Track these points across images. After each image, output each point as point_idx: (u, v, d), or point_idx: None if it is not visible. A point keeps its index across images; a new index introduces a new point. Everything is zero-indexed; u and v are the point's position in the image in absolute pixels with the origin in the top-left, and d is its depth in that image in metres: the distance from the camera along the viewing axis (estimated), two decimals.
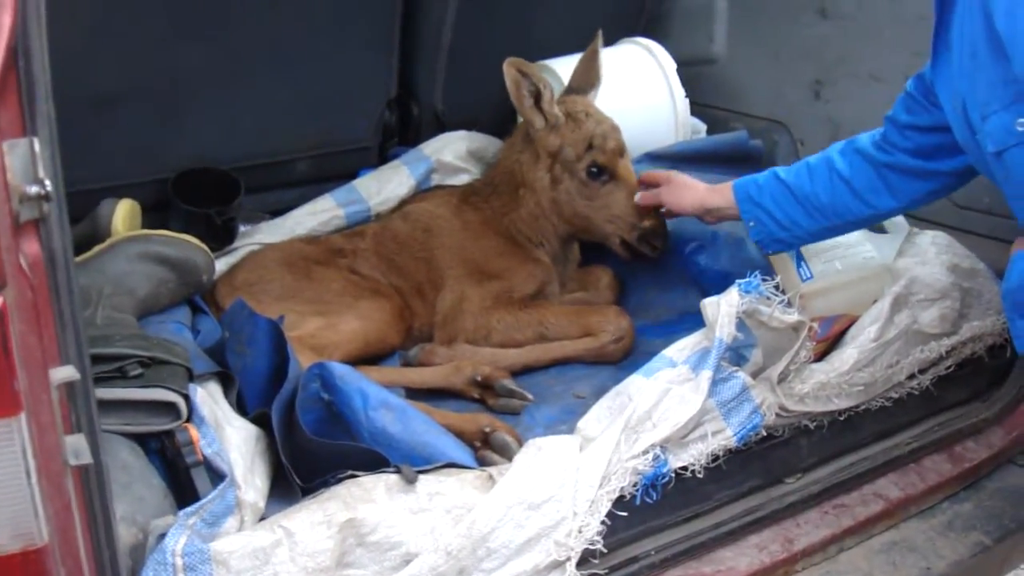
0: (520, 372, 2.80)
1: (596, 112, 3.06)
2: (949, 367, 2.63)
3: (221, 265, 2.93)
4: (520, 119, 3.07)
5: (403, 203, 3.30)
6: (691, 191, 2.73)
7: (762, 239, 2.60)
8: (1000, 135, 1.95)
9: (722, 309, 2.22)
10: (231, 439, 2.08)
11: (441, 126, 3.60)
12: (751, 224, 2.59)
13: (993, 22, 1.85)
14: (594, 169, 2.95)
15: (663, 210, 2.88)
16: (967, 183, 2.41)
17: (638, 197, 2.89)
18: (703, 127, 3.72)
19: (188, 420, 2.05)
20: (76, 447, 1.39)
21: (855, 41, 3.37)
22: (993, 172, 2.07)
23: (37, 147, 1.29)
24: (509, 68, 2.89)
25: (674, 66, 3.54)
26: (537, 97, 2.95)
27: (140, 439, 2.03)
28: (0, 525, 1.30)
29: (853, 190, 2.44)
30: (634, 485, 2.11)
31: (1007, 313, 2.15)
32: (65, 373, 1.37)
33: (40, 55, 1.31)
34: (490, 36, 3.36)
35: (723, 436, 2.23)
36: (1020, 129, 1.90)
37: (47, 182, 1.29)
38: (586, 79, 3.16)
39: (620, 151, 3.00)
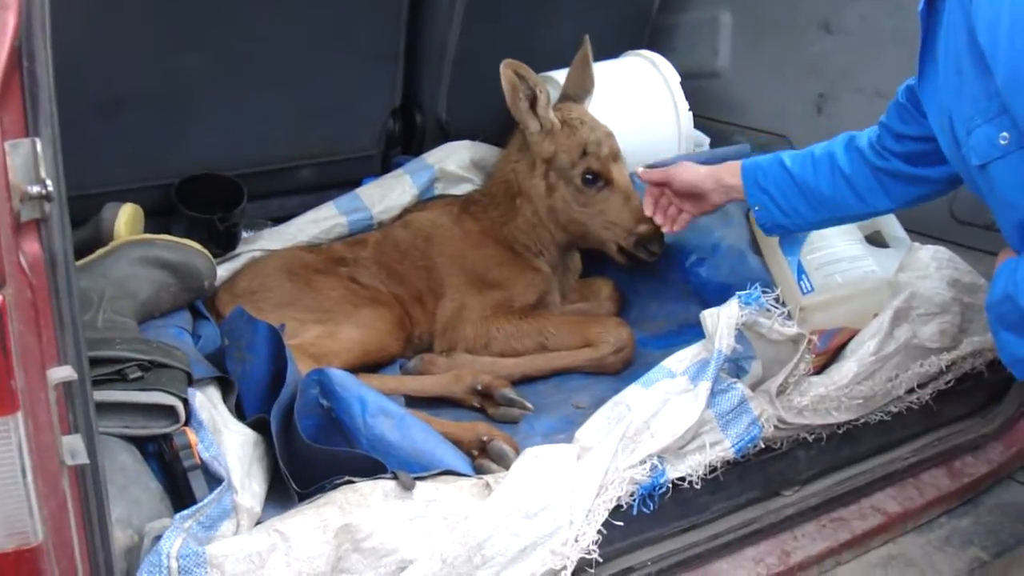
0: (520, 381, 2.80)
1: (590, 119, 3.06)
2: (949, 382, 2.62)
3: (223, 271, 2.93)
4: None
5: (405, 212, 3.31)
6: (701, 166, 2.72)
7: (765, 223, 2.64)
8: (984, 148, 1.96)
9: (722, 321, 2.22)
10: (229, 443, 2.08)
11: (445, 136, 3.61)
12: (756, 208, 2.62)
13: (976, 36, 1.86)
14: (589, 176, 2.96)
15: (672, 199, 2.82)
16: (956, 189, 2.43)
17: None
18: (706, 140, 3.72)
19: (186, 424, 2.05)
20: (73, 447, 1.40)
21: (859, 56, 3.38)
22: (979, 186, 2.07)
23: (39, 147, 1.30)
24: (506, 69, 2.89)
25: (678, 79, 3.54)
26: (533, 101, 2.96)
27: (138, 442, 2.03)
28: None
29: (854, 189, 2.48)
30: (631, 495, 2.10)
31: (991, 325, 2.13)
32: (63, 373, 1.37)
33: (44, 56, 1.32)
34: (494, 47, 3.35)
35: (721, 447, 2.22)
36: (1003, 143, 1.91)
37: (48, 182, 1.30)
38: (580, 86, 3.17)
39: (614, 157, 3.00)
